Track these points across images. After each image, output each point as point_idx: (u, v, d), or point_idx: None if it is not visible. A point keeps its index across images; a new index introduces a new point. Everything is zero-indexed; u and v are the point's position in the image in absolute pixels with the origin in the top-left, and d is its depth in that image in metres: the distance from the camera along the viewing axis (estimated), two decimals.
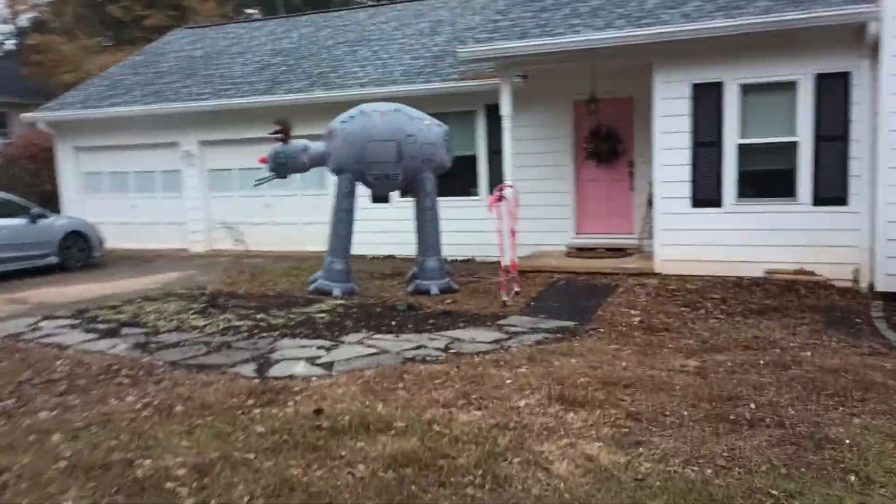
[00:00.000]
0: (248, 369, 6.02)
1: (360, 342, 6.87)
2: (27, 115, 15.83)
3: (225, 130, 14.30)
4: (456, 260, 12.13)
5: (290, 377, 5.77)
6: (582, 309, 8.46)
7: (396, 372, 5.80)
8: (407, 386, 5.46)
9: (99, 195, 15.99)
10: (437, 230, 9.83)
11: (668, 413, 4.76)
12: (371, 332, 7.31)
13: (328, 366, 6.11)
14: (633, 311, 8.28)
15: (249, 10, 32.13)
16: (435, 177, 9.79)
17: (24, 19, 32.56)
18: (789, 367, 5.91)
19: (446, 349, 6.64)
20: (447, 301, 9.12)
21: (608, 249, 11.40)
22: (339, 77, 13.55)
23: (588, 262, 10.76)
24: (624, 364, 6.05)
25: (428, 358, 6.32)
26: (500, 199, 9.31)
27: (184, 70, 16.04)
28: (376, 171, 9.54)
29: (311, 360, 6.25)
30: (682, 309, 8.37)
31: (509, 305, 8.77)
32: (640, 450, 4.17)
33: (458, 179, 12.26)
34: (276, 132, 9.64)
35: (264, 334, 7.23)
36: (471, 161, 12.50)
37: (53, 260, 12.78)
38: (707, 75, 9.44)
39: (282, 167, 9.75)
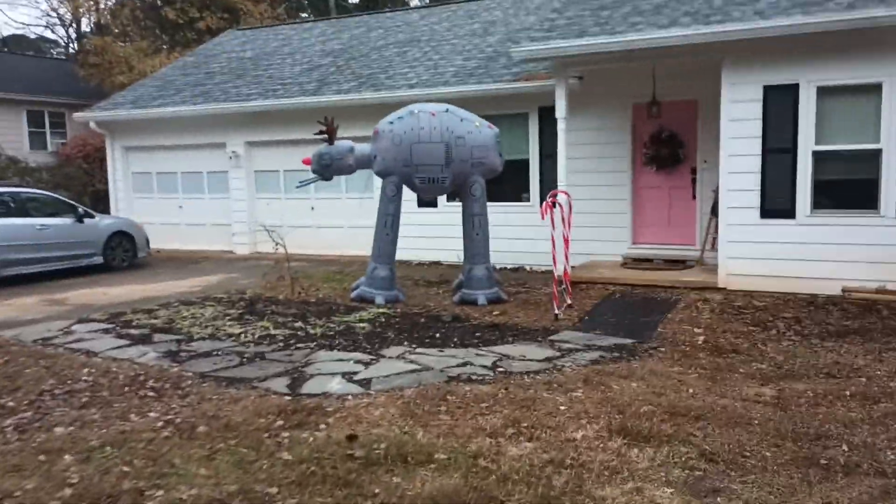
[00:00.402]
0: (280, 384, 5.61)
1: (401, 357, 6.42)
2: (79, 115, 15.89)
3: (272, 131, 14.07)
4: (505, 268, 11.62)
5: (325, 395, 5.34)
6: (640, 325, 7.87)
7: (439, 392, 5.32)
8: (450, 409, 4.98)
9: (147, 195, 15.95)
10: (485, 237, 9.34)
11: (747, 453, 4.17)
12: (413, 346, 6.86)
13: (366, 383, 5.66)
14: (696, 330, 7.64)
15: (302, 14, 32.18)
16: (485, 181, 9.31)
17: (84, 22, 33.28)
18: (879, 401, 5.24)
19: (494, 367, 6.14)
20: (495, 312, 8.62)
21: (667, 261, 10.75)
22: (388, 78, 13.18)
23: (646, 273, 10.13)
24: (691, 390, 5.46)
25: (474, 377, 5.82)
26: (554, 205, 8.78)
27: (234, 71, 15.90)
28: (424, 175, 9.10)
29: (348, 377, 5.81)
30: (751, 328, 7.70)
31: (562, 319, 8.22)
32: (719, 500, 3.61)
33: (509, 184, 11.75)
34: (320, 132, 9.29)
35: (300, 345, 6.83)
36: (522, 165, 11.97)
37: (98, 260, 12.68)
38: (781, 77, 8.74)
39: (326, 169, 9.39)
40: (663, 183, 11.06)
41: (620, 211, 11.27)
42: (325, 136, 9.29)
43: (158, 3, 24.24)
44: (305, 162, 9.54)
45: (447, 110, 9.21)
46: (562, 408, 4.99)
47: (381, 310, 8.70)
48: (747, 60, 8.87)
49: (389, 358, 6.36)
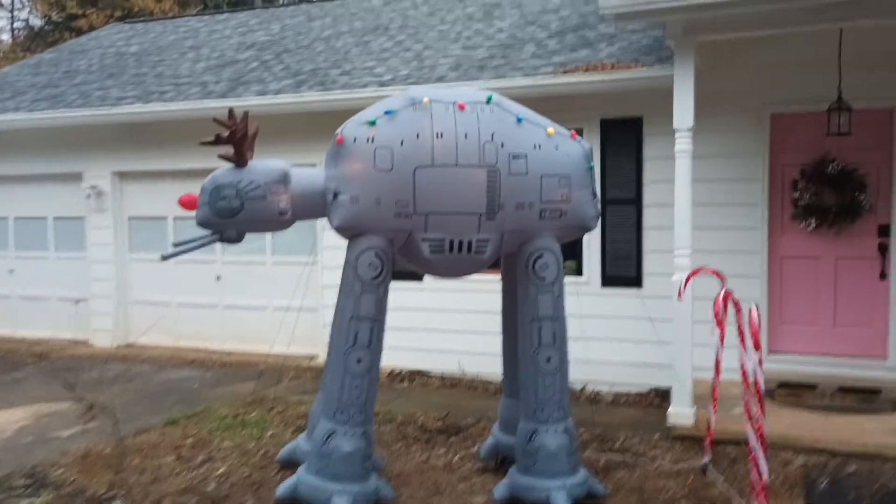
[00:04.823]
0: None
1: None
2: None
3: (155, 155, 8.97)
4: None
5: None
6: None
7: None
8: None
9: None
10: (563, 364, 4.49)
11: None
12: None
13: None
14: None
15: None
16: (560, 247, 4.53)
17: None
18: None
19: None
20: None
21: (844, 389, 6.11)
22: (343, 73, 8.33)
23: (837, 425, 5.45)
24: None
25: None
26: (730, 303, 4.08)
27: (107, 69, 10.75)
28: (440, 234, 4.25)
29: None
30: None
31: None
32: None
33: None
34: (217, 140, 4.30)
35: None
36: None
37: None
38: None
39: (229, 217, 4.34)
40: (825, 250, 6.47)
41: (746, 295, 6.60)
42: (231, 146, 4.31)
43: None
44: (185, 203, 4.49)
45: (490, 101, 4.41)
46: None
47: None
48: None
49: None
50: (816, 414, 5.66)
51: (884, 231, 6.25)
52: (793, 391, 6.15)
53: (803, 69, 6.23)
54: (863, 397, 5.96)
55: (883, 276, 6.27)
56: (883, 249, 6.26)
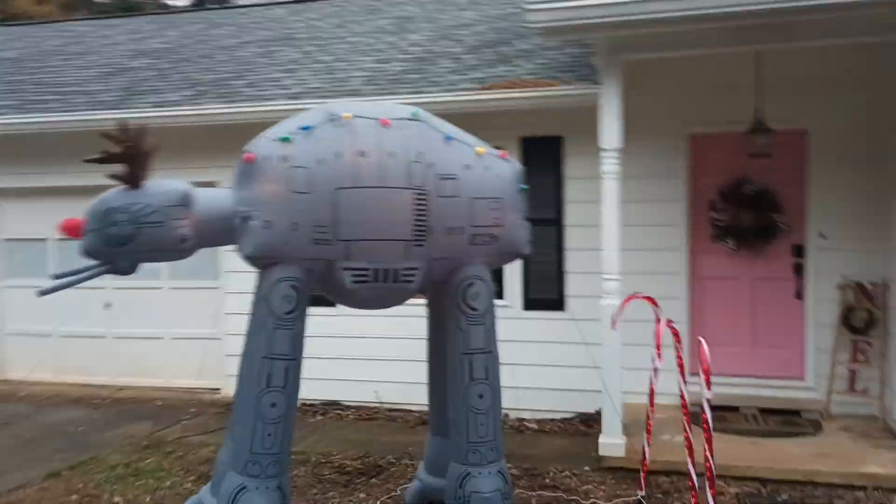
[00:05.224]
0: None
1: None
2: None
3: (35, 172, 8.15)
4: None
5: None
6: None
7: None
8: None
9: None
10: (496, 400, 4.18)
11: None
12: None
13: None
14: None
15: None
16: (490, 275, 4.24)
17: None
18: None
19: None
20: None
21: (764, 411, 6.13)
22: (248, 85, 7.82)
23: (762, 449, 5.41)
24: None
25: None
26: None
27: None
28: (364, 262, 3.87)
29: None
30: None
31: None
32: None
33: None
34: (104, 157, 3.76)
35: None
36: None
37: None
38: None
39: (120, 244, 3.79)
40: (744, 271, 6.50)
41: (669, 317, 6.53)
42: (123, 165, 3.78)
43: None
44: (68, 229, 3.91)
45: (415, 116, 4.08)
46: None
47: None
48: None
49: None
50: (743, 438, 5.61)
51: (798, 251, 6.32)
52: (716, 414, 6.07)
53: (721, 90, 6.24)
54: (785, 419, 5.98)
55: (799, 296, 6.34)
56: (798, 270, 6.33)
